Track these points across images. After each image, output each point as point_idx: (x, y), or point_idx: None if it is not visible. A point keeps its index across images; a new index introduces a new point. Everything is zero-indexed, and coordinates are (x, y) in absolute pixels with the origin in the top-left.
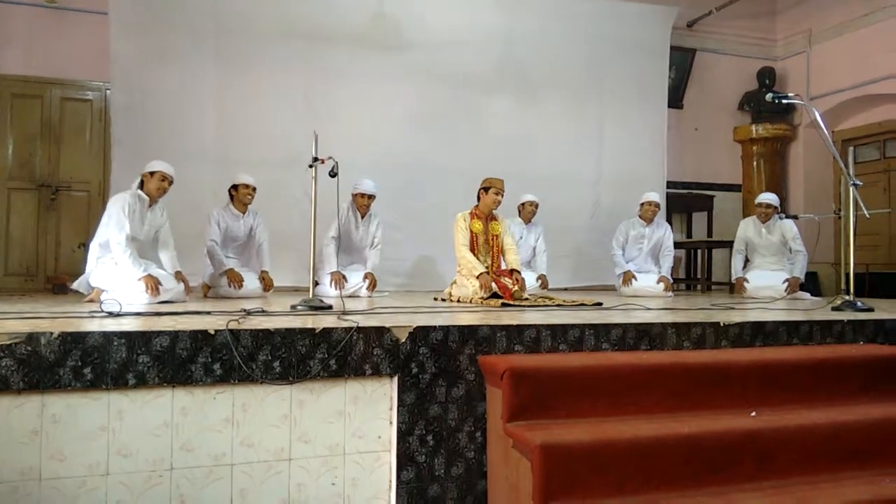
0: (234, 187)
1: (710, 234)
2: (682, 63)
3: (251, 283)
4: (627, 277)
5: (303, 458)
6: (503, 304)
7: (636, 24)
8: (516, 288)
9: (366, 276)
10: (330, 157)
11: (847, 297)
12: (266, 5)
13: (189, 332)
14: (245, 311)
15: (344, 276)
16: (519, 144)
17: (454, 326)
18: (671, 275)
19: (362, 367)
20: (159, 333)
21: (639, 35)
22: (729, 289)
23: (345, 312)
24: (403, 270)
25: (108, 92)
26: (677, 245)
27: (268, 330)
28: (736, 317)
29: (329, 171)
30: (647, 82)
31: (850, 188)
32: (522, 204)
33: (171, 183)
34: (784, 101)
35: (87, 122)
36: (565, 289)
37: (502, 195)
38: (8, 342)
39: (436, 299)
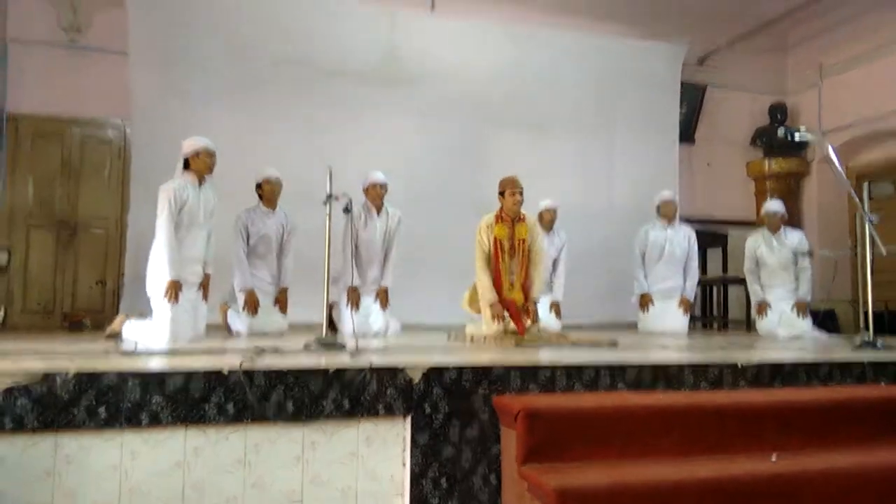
0: (259, 186)
1: (725, 270)
2: (692, 98)
3: (267, 313)
4: (645, 301)
5: (315, 500)
6: (517, 344)
7: (646, 60)
8: (529, 323)
9: (377, 295)
10: (344, 194)
11: (867, 337)
12: (280, 43)
13: (203, 372)
14: (259, 349)
15: (359, 295)
16: (529, 178)
17: (468, 366)
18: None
19: (375, 407)
20: (173, 373)
21: (649, 71)
22: (746, 326)
23: (358, 351)
24: (413, 304)
25: (127, 130)
26: None
27: (281, 370)
28: (754, 357)
29: (343, 208)
30: (658, 117)
31: (866, 224)
32: (540, 213)
33: (215, 156)
34: (796, 137)
35: (107, 159)
36: (579, 326)
37: (521, 192)
38: (24, 382)
39: (449, 337)
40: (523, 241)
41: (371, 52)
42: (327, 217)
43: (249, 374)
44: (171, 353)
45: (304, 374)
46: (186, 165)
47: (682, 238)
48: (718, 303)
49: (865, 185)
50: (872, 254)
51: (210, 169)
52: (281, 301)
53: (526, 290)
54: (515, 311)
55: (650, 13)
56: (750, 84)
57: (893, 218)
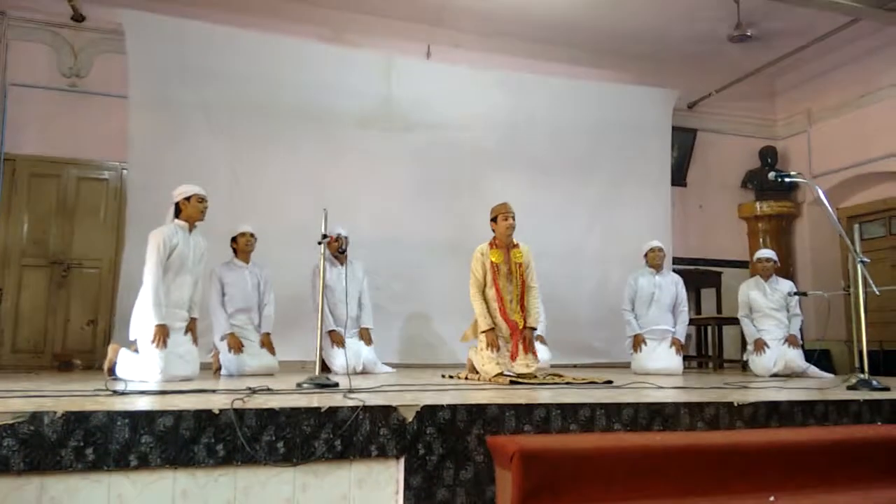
0: (234, 239)
1: (719, 310)
2: (684, 142)
3: (257, 355)
4: (637, 342)
5: None
6: (512, 383)
7: (638, 106)
8: (530, 370)
9: (361, 334)
10: (339, 234)
11: (862, 376)
12: (278, 87)
13: (193, 412)
14: (250, 389)
15: (343, 338)
16: (523, 221)
17: (462, 405)
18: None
19: (368, 448)
20: (163, 413)
21: (641, 116)
22: (741, 366)
23: (351, 390)
24: (409, 345)
25: (123, 171)
26: None
27: (272, 409)
28: (750, 396)
29: (338, 248)
30: (650, 161)
31: (858, 265)
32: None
33: (206, 203)
34: (787, 180)
35: (102, 200)
36: (574, 366)
37: (513, 217)
38: (11, 421)
39: (443, 376)
40: (520, 265)
41: (367, 99)
42: (321, 257)
43: (240, 414)
44: (162, 392)
45: (295, 414)
46: (178, 212)
47: (671, 284)
48: (713, 342)
49: (856, 226)
50: (866, 294)
51: (201, 215)
52: (266, 343)
53: (524, 316)
54: (516, 330)
55: (641, 60)
56: (740, 128)
57: (885, 259)
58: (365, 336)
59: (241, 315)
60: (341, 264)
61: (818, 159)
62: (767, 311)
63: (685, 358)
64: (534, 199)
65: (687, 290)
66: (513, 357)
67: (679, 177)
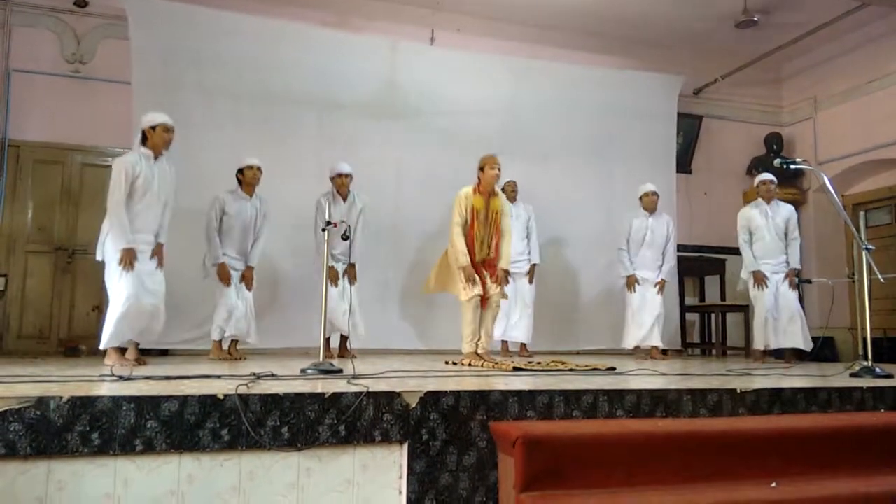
0: (241, 171)
1: (723, 297)
2: (689, 129)
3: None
4: (631, 282)
5: None
6: (515, 369)
7: (643, 92)
8: (497, 290)
9: (346, 272)
10: (343, 221)
11: (865, 363)
12: (281, 72)
13: (198, 397)
14: (255, 374)
15: (338, 273)
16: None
17: (465, 391)
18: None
19: (372, 433)
20: (168, 398)
21: (646, 102)
22: (745, 352)
23: (355, 376)
24: (413, 331)
25: None
26: (690, 309)
27: (277, 395)
28: (753, 383)
29: (342, 235)
30: (655, 148)
31: (863, 252)
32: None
33: (173, 132)
34: (792, 167)
35: (107, 186)
36: (577, 352)
37: (499, 168)
38: (17, 406)
39: (447, 363)
40: (497, 212)
41: (371, 84)
42: (325, 244)
43: (245, 399)
44: (167, 377)
45: (300, 399)
46: (144, 140)
47: (663, 225)
48: (717, 330)
49: (862, 213)
50: (870, 281)
51: (166, 144)
52: (247, 278)
53: (496, 260)
54: (482, 269)
55: (646, 46)
56: (745, 115)
57: (890, 246)
58: (350, 272)
59: (230, 243)
60: (344, 200)
61: (824, 146)
62: (766, 238)
63: (688, 345)
64: (537, 184)
65: (691, 276)
66: (483, 286)
67: (684, 163)
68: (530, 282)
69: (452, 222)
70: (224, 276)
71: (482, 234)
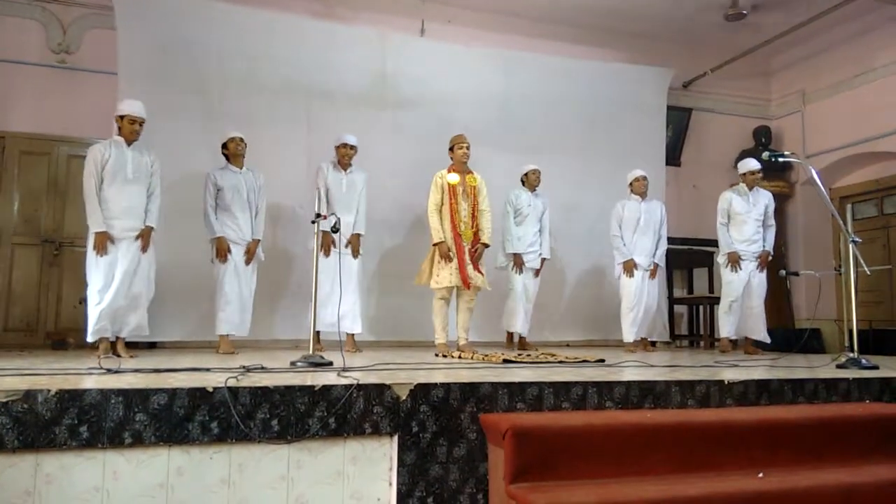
0: (225, 146)
1: (711, 289)
2: (678, 122)
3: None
4: (629, 266)
5: None
6: (505, 361)
7: (633, 85)
8: (479, 280)
9: (349, 242)
10: (332, 214)
11: (851, 355)
12: (269, 64)
13: (187, 390)
14: (244, 367)
15: (334, 242)
16: None
17: (455, 384)
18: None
19: (362, 425)
20: (157, 391)
21: (636, 95)
22: (733, 343)
23: (345, 369)
24: (403, 323)
25: None
26: (679, 301)
27: (266, 387)
28: (741, 374)
29: (332, 227)
30: (644, 141)
31: (850, 245)
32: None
33: (141, 124)
34: (780, 160)
35: None
36: (567, 344)
37: (467, 147)
38: (5, 399)
39: (437, 355)
40: (474, 187)
41: (360, 75)
42: (315, 236)
43: (234, 392)
44: (156, 370)
45: (290, 392)
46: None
47: (656, 209)
48: (705, 321)
49: (849, 206)
50: (857, 273)
51: (133, 135)
52: (251, 250)
53: (477, 235)
54: (462, 257)
55: (636, 39)
56: (734, 108)
57: (877, 239)
58: (354, 242)
59: (229, 217)
60: (344, 171)
61: (812, 139)
62: (744, 223)
63: (677, 337)
64: None
65: (679, 269)
66: (462, 271)
67: (673, 156)
68: (536, 275)
69: (429, 203)
70: (221, 251)
71: (462, 209)
